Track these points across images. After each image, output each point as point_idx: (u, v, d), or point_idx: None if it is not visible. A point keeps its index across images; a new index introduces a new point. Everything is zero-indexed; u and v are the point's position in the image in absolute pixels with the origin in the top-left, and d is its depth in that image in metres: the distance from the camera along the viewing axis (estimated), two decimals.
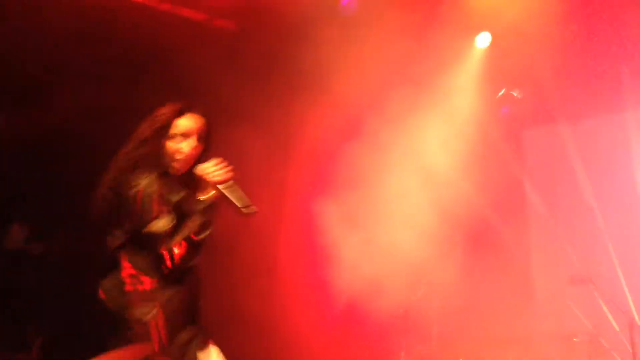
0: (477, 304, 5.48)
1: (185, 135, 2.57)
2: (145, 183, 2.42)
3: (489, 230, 5.86)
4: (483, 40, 5.74)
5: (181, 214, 2.45)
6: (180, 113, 2.59)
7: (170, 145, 2.55)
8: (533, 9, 5.02)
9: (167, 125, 2.56)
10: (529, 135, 6.57)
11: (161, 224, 2.38)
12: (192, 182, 2.54)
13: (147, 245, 2.40)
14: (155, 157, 2.52)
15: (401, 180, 5.53)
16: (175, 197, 2.48)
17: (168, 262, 2.38)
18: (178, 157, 2.56)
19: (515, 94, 5.99)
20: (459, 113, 5.72)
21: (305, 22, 4.83)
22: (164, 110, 2.60)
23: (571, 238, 5.93)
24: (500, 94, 6.11)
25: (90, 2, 4.40)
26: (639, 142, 5.81)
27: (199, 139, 2.59)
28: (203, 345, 2.48)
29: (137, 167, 2.48)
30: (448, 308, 5.46)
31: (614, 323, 5.25)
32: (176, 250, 2.38)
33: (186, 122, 2.59)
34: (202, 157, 2.58)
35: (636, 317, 5.26)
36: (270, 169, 5.42)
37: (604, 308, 5.33)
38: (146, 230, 2.38)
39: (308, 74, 4.96)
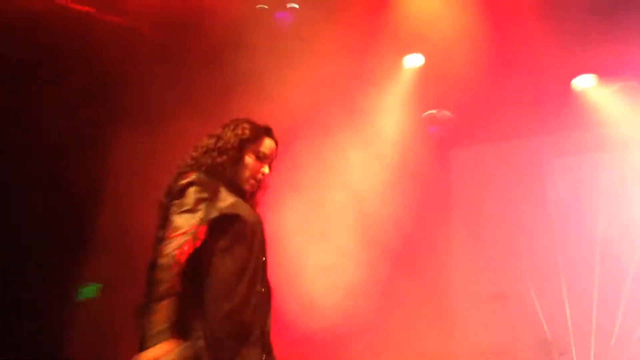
0: (398, 323, 5.54)
1: (267, 158, 2.50)
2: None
3: (412, 250, 5.96)
4: (413, 61, 5.85)
5: None
6: (268, 133, 2.53)
7: (253, 162, 2.46)
8: (462, 32, 5.16)
9: (256, 140, 2.47)
10: (455, 155, 6.76)
11: None
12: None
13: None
14: (230, 168, 2.40)
15: (329, 199, 5.56)
16: None
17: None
18: (259, 177, 2.48)
19: (442, 114, 6.14)
20: (385, 132, 5.80)
21: (236, 32, 4.80)
22: (252, 125, 2.50)
23: (492, 257, 6.12)
24: (427, 113, 6.25)
25: (13, 3, 4.25)
26: (551, 164, 6.08)
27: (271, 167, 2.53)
28: None
29: (210, 174, 2.35)
30: (370, 326, 5.50)
31: (526, 339, 5.44)
32: None
33: (272, 145, 2.53)
34: None
35: (548, 333, 5.48)
36: None
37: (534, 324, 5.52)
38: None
39: (236, 85, 4.92)
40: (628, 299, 5.64)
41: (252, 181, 2.45)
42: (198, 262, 2.19)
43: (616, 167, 5.91)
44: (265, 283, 2.36)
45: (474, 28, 5.12)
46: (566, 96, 5.92)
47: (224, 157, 2.39)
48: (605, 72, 5.72)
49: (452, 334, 5.85)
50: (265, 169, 2.48)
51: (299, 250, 5.36)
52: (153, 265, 2.12)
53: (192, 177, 2.28)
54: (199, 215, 2.20)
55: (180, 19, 4.71)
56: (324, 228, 5.50)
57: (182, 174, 2.33)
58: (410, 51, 5.76)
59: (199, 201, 2.23)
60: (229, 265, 2.23)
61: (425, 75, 5.82)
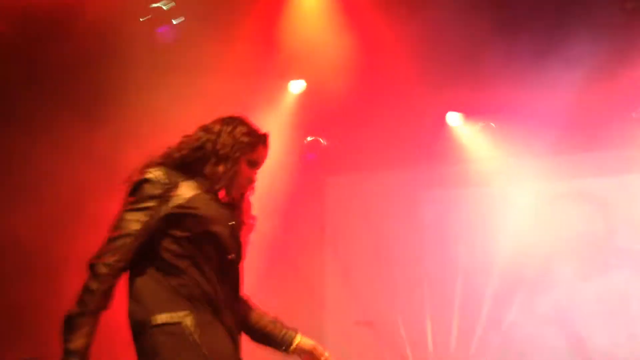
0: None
1: (258, 165, 2.41)
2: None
3: (282, 273, 5.99)
4: (297, 86, 5.97)
5: None
6: (264, 140, 2.42)
7: (244, 170, 2.35)
8: (343, 63, 5.34)
9: (251, 147, 2.36)
10: (331, 182, 6.93)
11: None
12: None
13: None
14: (221, 174, 2.28)
15: None
16: None
17: None
18: (247, 184, 2.39)
19: (319, 142, 6.29)
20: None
21: (113, 39, 4.68)
22: (250, 130, 2.38)
23: (363, 284, 6.31)
24: (308, 140, 6.38)
25: None
26: (421, 196, 6.40)
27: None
28: None
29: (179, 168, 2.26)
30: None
31: None
32: None
33: (265, 152, 2.44)
34: None
35: (410, 357, 5.71)
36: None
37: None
38: None
39: (110, 90, 4.80)
40: (485, 326, 6.05)
41: (241, 189, 2.38)
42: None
43: (477, 201, 6.33)
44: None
45: (353, 60, 5.35)
46: (438, 132, 6.31)
47: (216, 159, 2.29)
48: (470, 112, 6.17)
49: None
50: (254, 176, 2.41)
51: None
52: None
53: (149, 174, 2.21)
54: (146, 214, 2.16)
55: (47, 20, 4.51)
56: None
57: (144, 167, 2.26)
58: (295, 76, 5.90)
59: (149, 197, 2.18)
60: None
61: (306, 101, 5.96)
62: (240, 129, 2.35)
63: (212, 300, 2.20)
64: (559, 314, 6.07)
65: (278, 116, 5.91)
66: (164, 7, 4.72)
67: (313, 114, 6.01)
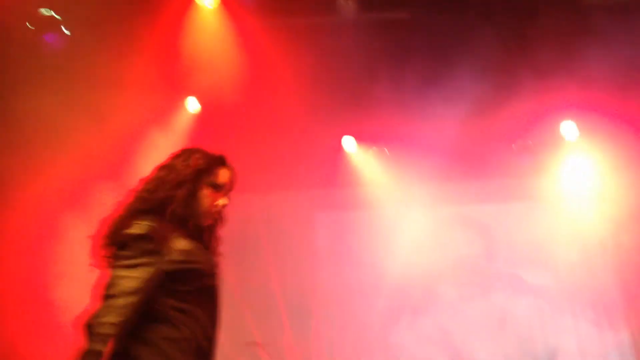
0: None
1: (222, 188, 2.38)
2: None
3: None
4: (192, 104, 5.90)
5: None
6: (222, 162, 2.42)
7: (207, 194, 2.33)
8: (244, 81, 5.34)
9: (209, 170, 2.35)
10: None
11: None
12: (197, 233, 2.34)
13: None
14: (184, 204, 2.26)
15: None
16: None
17: None
18: (214, 210, 2.36)
19: None
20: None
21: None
22: (204, 154, 2.38)
23: (253, 305, 6.26)
24: None
25: None
26: (314, 217, 6.48)
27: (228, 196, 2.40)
28: None
29: (157, 212, 2.21)
30: None
31: None
32: None
33: (227, 174, 2.43)
34: None
35: None
36: None
37: None
38: None
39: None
40: (370, 347, 6.17)
41: (209, 215, 2.36)
42: None
43: (369, 224, 6.49)
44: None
45: (252, 80, 5.37)
46: (334, 155, 6.43)
47: (178, 191, 2.26)
48: (365, 137, 6.34)
49: None
50: (222, 201, 2.38)
51: None
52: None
53: (141, 228, 2.16)
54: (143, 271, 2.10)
55: None
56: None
57: (129, 218, 2.21)
58: (190, 93, 5.82)
59: (144, 253, 2.13)
60: None
61: (201, 119, 5.89)
62: (195, 156, 2.37)
63: (205, 353, 2.26)
64: (442, 334, 6.31)
65: (170, 132, 5.80)
66: (45, 13, 4.52)
67: (208, 133, 5.94)
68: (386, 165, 6.38)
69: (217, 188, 2.39)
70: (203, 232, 2.40)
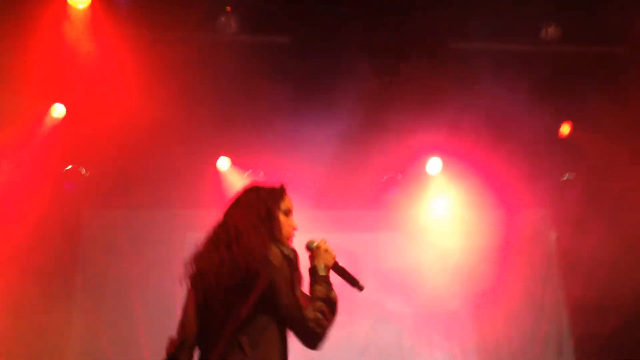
0: None
1: (290, 212, 2.70)
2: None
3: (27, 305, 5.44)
4: (58, 110, 5.57)
5: None
6: (285, 189, 2.71)
7: (285, 220, 2.66)
8: (117, 92, 5.13)
9: (282, 199, 2.66)
10: (89, 215, 6.52)
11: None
12: None
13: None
14: (277, 231, 2.60)
15: None
16: None
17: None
18: (292, 232, 2.70)
19: (79, 172, 5.93)
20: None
21: None
22: (269, 187, 2.68)
23: (113, 322, 5.97)
24: (67, 169, 5.97)
25: None
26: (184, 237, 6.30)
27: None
28: None
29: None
30: None
31: None
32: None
33: (290, 199, 2.72)
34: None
35: None
36: None
37: None
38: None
39: None
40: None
41: (290, 238, 2.69)
42: None
43: None
44: None
45: (127, 92, 5.17)
46: (208, 174, 6.32)
47: (267, 226, 2.58)
48: (239, 159, 6.30)
49: None
50: (293, 222, 2.73)
51: None
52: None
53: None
54: None
55: None
56: None
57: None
58: (58, 100, 5.51)
59: None
60: None
61: (68, 127, 5.59)
62: (263, 190, 2.69)
63: None
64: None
65: (34, 140, 5.45)
66: None
67: (75, 141, 5.64)
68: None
69: (287, 213, 2.71)
70: None
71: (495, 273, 6.38)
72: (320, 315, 2.51)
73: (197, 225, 6.33)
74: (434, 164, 6.55)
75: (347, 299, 6.50)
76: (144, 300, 5.99)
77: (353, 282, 2.89)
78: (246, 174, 6.35)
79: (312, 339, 2.52)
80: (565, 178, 6.65)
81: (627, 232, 6.07)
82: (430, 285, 6.57)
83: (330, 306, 2.61)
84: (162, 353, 5.65)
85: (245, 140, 5.81)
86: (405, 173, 6.64)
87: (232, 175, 6.40)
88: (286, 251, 2.53)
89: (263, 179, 6.39)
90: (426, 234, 6.75)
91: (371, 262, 6.79)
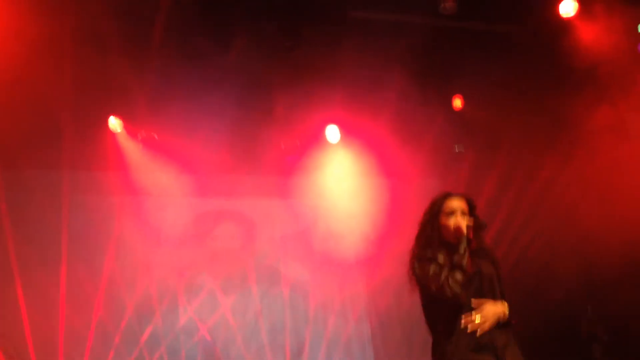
0: None
1: (454, 212, 3.16)
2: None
3: None
4: None
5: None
6: (445, 195, 3.24)
7: (446, 220, 3.17)
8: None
9: (440, 204, 3.21)
10: None
11: None
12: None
13: None
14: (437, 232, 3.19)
15: None
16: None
17: None
18: (455, 229, 3.11)
19: None
20: None
21: None
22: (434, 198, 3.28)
23: None
24: None
25: None
26: (71, 200, 6.01)
27: (462, 214, 3.15)
28: None
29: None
30: None
31: None
32: None
33: (452, 202, 3.20)
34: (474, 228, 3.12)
35: None
36: None
37: None
38: None
39: None
40: (122, 337, 5.93)
41: (453, 235, 3.10)
42: None
43: (129, 211, 6.21)
44: None
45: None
46: (99, 136, 6.01)
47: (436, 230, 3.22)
48: (133, 120, 6.04)
49: None
50: (453, 220, 3.13)
51: None
52: None
53: None
54: None
55: None
56: None
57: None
58: None
59: None
60: None
61: None
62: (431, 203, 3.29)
63: None
64: (199, 324, 6.28)
65: None
66: None
67: None
68: (154, 152, 6.16)
69: (449, 214, 3.18)
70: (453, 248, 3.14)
71: (386, 238, 6.57)
72: None
73: (88, 188, 6.16)
74: (332, 132, 6.60)
75: (242, 264, 6.60)
76: (23, 264, 5.66)
77: None
78: (140, 137, 6.12)
79: None
80: (456, 150, 6.93)
81: (513, 202, 6.43)
82: (324, 250, 6.69)
83: None
84: (44, 310, 5.47)
85: (139, 103, 5.57)
86: (304, 140, 6.65)
87: (124, 137, 6.14)
88: None
89: (157, 141, 6.19)
90: (323, 200, 6.83)
91: (267, 229, 6.81)
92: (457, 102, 6.36)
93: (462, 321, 2.93)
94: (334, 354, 6.69)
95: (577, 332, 6.65)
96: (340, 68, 5.48)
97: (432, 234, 3.16)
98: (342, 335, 6.78)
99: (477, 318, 2.92)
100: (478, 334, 2.90)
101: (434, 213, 3.20)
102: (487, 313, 2.95)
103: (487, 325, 2.92)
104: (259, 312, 6.55)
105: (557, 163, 6.11)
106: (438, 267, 3.01)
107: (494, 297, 3.04)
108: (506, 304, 3.03)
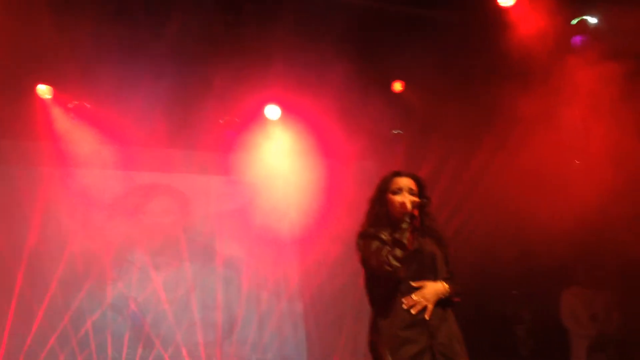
0: None
1: (401, 189, 3.19)
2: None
3: None
4: None
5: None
6: (393, 174, 3.27)
7: (394, 198, 3.20)
8: None
9: (387, 182, 3.26)
10: None
11: None
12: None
13: None
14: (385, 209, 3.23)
15: None
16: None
17: None
18: (401, 206, 3.13)
19: None
20: None
21: None
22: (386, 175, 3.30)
23: None
24: None
25: None
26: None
27: (410, 192, 3.18)
28: None
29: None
30: None
31: None
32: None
33: (399, 180, 3.23)
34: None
35: None
36: None
37: None
38: None
39: None
40: (49, 312, 5.75)
41: (398, 210, 3.12)
42: None
43: (58, 183, 6.01)
44: None
45: None
46: (28, 105, 5.76)
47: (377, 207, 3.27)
48: (62, 89, 5.81)
49: None
50: (399, 197, 3.15)
51: None
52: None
53: None
54: None
55: None
56: None
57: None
58: None
59: None
60: None
61: None
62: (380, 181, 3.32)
63: None
64: (127, 301, 6.17)
65: None
66: None
67: None
68: (85, 121, 5.94)
69: (396, 192, 3.19)
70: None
71: (322, 218, 6.58)
72: None
73: (10, 157, 5.90)
74: (272, 110, 6.53)
75: (175, 240, 6.50)
76: None
77: None
78: (70, 105, 5.89)
79: None
80: (394, 132, 6.98)
81: (448, 187, 6.53)
82: (260, 228, 6.64)
83: None
84: None
85: (70, 70, 5.34)
86: (243, 117, 6.56)
87: (53, 106, 5.90)
88: None
89: (89, 111, 5.97)
90: (260, 178, 6.77)
91: (203, 205, 6.71)
92: (397, 86, 6.38)
93: (404, 305, 2.94)
94: (265, 332, 6.71)
95: (504, 314, 6.88)
96: (280, 46, 5.40)
97: (379, 211, 3.18)
98: (274, 313, 6.79)
99: (417, 298, 2.95)
100: (414, 311, 2.94)
101: (382, 190, 3.22)
102: (426, 293, 2.98)
103: (429, 306, 2.96)
104: (192, 288, 6.48)
105: (491, 151, 6.22)
106: (381, 243, 3.01)
107: (434, 276, 3.07)
108: (446, 284, 3.05)
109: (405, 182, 3.18)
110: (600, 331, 5.97)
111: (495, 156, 6.27)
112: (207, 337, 6.43)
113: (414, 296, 2.96)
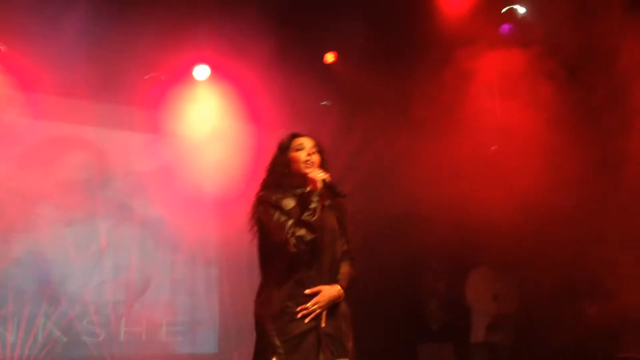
0: None
1: (303, 147, 3.08)
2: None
3: None
4: None
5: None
6: (293, 135, 3.16)
7: (297, 155, 3.07)
8: None
9: (290, 142, 3.13)
10: None
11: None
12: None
13: None
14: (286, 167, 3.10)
15: None
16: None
17: None
18: (305, 163, 3.06)
19: None
20: None
21: None
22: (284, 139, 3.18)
23: None
24: None
25: None
26: None
27: (313, 151, 3.10)
28: None
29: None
30: None
31: None
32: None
33: (300, 139, 3.12)
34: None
35: None
36: None
37: None
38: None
39: None
40: None
41: (303, 169, 3.03)
42: None
43: None
44: None
45: None
46: None
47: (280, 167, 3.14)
48: None
49: None
50: (303, 153, 3.05)
51: None
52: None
53: None
54: None
55: None
56: None
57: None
58: None
59: None
60: None
61: None
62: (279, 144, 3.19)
63: None
64: (36, 257, 5.93)
65: None
66: None
67: None
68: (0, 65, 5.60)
69: (299, 149, 3.07)
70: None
71: (244, 184, 6.49)
72: None
73: None
74: (201, 70, 6.37)
75: (89, 196, 6.26)
76: None
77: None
78: None
79: None
80: (323, 104, 6.95)
81: (373, 162, 6.58)
82: (181, 190, 6.50)
83: None
84: None
85: None
86: (170, 75, 6.36)
87: None
88: None
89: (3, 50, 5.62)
90: (184, 139, 6.60)
91: (122, 162, 6.49)
92: (330, 57, 6.35)
93: (299, 314, 2.86)
94: (177, 295, 6.62)
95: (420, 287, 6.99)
96: (213, 8, 5.27)
97: (281, 172, 3.02)
98: (188, 277, 6.70)
99: (312, 307, 2.88)
100: (307, 320, 2.87)
101: (282, 149, 3.06)
102: (321, 300, 2.90)
103: (322, 311, 2.91)
104: (104, 247, 6.29)
105: (413, 132, 6.28)
106: (283, 215, 2.89)
107: (333, 253, 3.01)
108: (341, 289, 2.99)
109: (306, 140, 3.06)
110: (500, 310, 6.24)
111: (416, 138, 6.33)
112: (116, 297, 6.27)
113: (309, 305, 2.87)
